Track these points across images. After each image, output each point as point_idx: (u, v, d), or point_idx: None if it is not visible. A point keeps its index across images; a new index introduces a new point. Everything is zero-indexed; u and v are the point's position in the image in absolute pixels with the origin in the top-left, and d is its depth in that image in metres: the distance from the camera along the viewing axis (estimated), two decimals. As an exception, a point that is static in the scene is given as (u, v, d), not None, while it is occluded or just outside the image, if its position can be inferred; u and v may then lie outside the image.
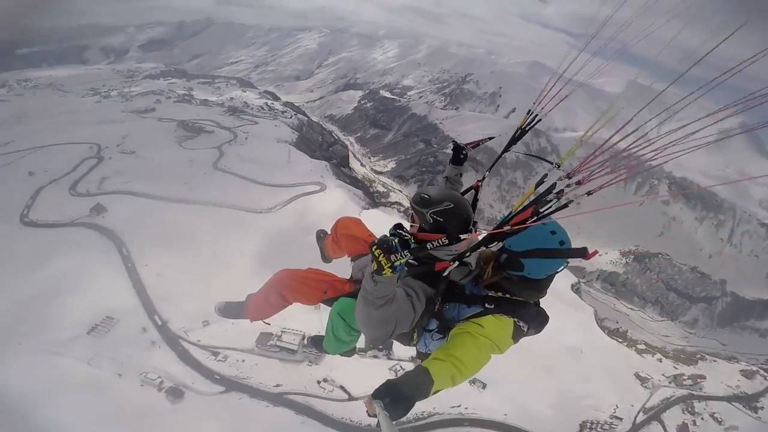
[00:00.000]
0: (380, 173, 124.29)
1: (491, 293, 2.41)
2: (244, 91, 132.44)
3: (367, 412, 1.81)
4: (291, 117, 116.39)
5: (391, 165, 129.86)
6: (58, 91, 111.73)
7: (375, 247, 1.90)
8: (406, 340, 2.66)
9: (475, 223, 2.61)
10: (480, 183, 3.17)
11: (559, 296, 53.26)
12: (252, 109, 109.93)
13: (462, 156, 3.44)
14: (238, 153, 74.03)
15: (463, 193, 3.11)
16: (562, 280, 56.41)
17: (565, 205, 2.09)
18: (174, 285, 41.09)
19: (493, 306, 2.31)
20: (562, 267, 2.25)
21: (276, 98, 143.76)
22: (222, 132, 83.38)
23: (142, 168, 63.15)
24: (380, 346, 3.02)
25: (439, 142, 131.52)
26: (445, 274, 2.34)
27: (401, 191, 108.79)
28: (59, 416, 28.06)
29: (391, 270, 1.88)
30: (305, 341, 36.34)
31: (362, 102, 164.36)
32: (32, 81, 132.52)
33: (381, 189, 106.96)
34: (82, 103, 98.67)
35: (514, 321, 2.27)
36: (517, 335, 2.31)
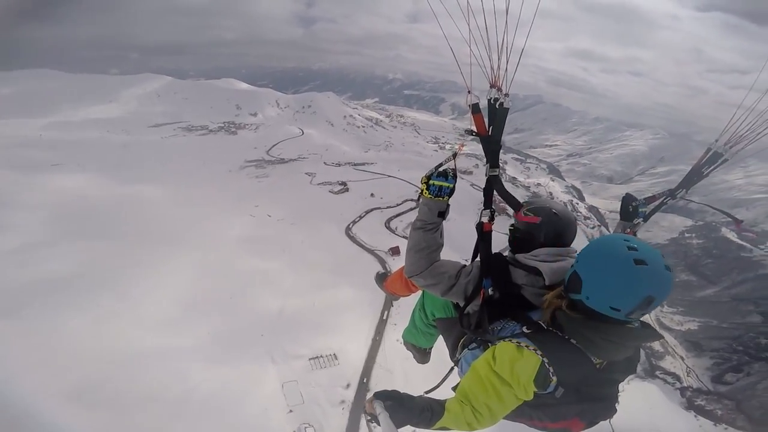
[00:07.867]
0: (668, 329, 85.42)
1: (543, 323, 1.84)
2: (552, 180, 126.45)
3: (364, 409, 1.76)
4: (593, 228, 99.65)
5: (689, 326, 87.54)
6: (414, 132, 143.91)
7: (423, 176, 2.22)
8: (450, 347, 2.44)
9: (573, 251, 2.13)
10: (630, 231, 2.60)
11: None
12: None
13: (631, 209, 2.62)
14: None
15: None
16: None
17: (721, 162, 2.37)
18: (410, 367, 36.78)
19: (530, 332, 1.78)
20: (635, 306, 1.54)
21: (581, 197, 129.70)
22: (519, 220, 78.93)
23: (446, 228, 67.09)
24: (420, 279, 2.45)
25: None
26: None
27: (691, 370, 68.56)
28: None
29: (428, 190, 2.18)
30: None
31: (687, 234, 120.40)
32: (403, 118, 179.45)
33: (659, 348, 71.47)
34: (425, 147, 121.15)
35: (543, 361, 1.67)
36: (542, 380, 1.69)
